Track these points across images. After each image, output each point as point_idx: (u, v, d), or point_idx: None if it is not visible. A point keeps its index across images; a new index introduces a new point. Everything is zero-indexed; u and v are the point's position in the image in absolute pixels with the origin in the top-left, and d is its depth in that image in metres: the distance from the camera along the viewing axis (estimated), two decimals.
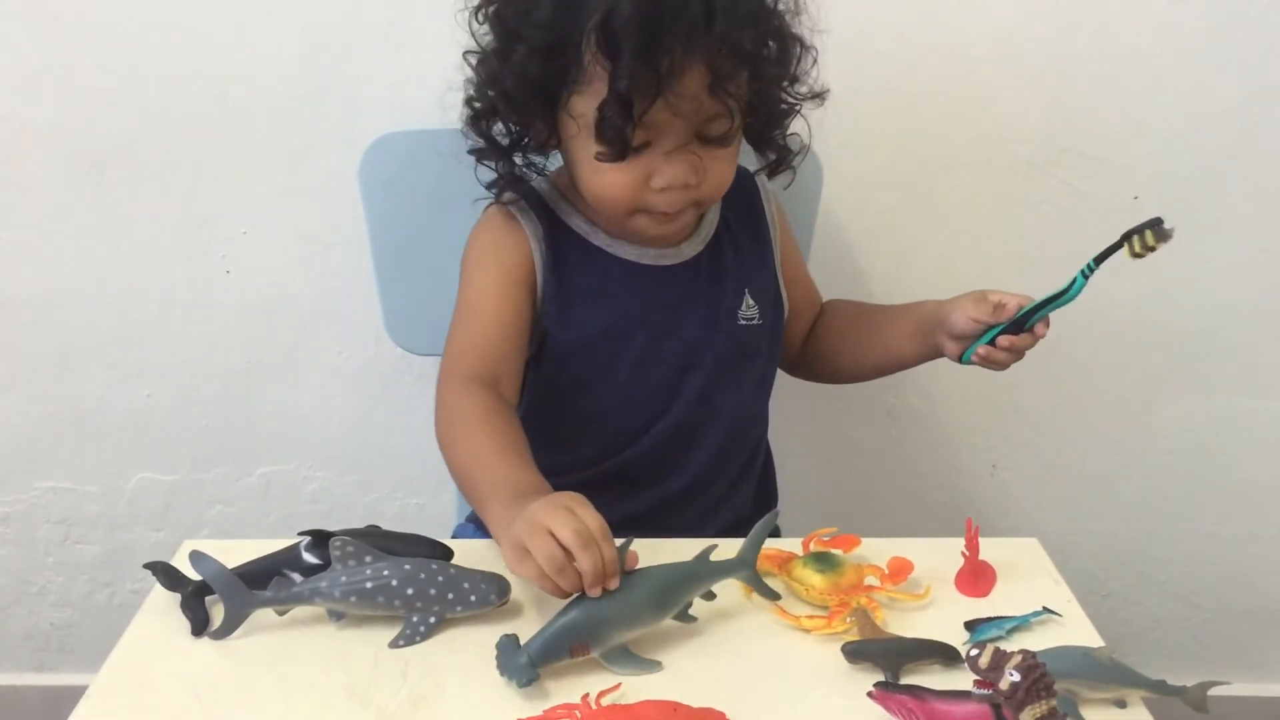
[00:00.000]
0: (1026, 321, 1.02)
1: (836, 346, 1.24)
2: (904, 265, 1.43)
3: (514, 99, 1.02)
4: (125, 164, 1.35)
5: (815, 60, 1.05)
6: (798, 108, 1.09)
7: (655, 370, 1.10)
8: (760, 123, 1.07)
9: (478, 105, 1.06)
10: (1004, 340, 1.03)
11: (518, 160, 1.09)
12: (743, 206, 1.17)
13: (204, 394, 1.49)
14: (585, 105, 0.96)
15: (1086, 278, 0.97)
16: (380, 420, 1.51)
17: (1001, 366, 1.06)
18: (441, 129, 1.22)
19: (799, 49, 1.04)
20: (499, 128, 1.07)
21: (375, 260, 1.27)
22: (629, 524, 0.89)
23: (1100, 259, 0.96)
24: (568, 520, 0.81)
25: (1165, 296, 1.46)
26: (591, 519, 0.82)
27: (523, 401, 1.14)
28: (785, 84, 1.05)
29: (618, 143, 0.96)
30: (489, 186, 1.11)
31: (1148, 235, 0.93)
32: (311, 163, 1.36)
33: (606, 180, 1.01)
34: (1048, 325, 1.03)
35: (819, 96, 1.08)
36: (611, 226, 1.08)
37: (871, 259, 1.43)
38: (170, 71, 1.31)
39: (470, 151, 1.09)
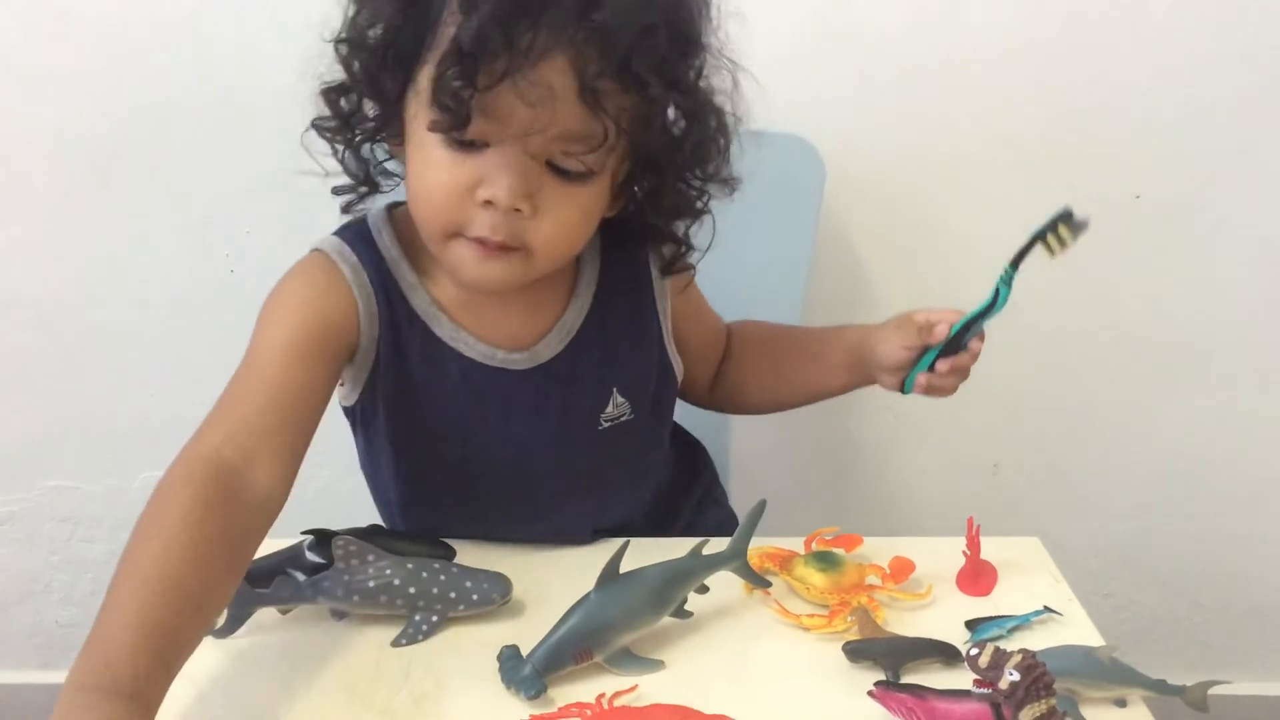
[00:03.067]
0: (961, 339, 0.95)
1: (750, 381, 1.12)
2: (905, 264, 1.43)
3: (367, 64, 0.87)
4: (128, 165, 1.36)
5: (730, 142, 0.92)
6: (705, 199, 0.95)
7: (492, 478, 0.99)
8: (654, 208, 0.94)
9: (335, 79, 0.91)
10: (943, 364, 0.96)
11: (365, 152, 0.95)
12: (626, 281, 1.01)
13: (208, 393, 1.47)
14: (429, 78, 0.82)
15: (1009, 285, 0.92)
16: None
17: (947, 392, 0.98)
18: None
19: (714, 121, 0.90)
20: (352, 106, 0.91)
21: None
22: None
23: (1016, 263, 0.90)
24: None
25: (1167, 295, 1.46)
26: None
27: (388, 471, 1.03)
28: (691, 164, 0.91)
29: (453, 110, 0.80)
30: (336, 191, 0.97)
31: (1062, 231, 0.87)
32: (315, 161, 1.36)
33: (431, 181, 0.86)
34: (983, 339, 0.97)
35: (727, 184, 0.94)
36: (435, 257, 0.92)
37: (872, 258, 1.43)
38: (172, 71, 1.32)
39: (313, 122, 0.94)
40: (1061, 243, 0.88)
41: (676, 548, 0.88)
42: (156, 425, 1.51)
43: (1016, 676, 0.68)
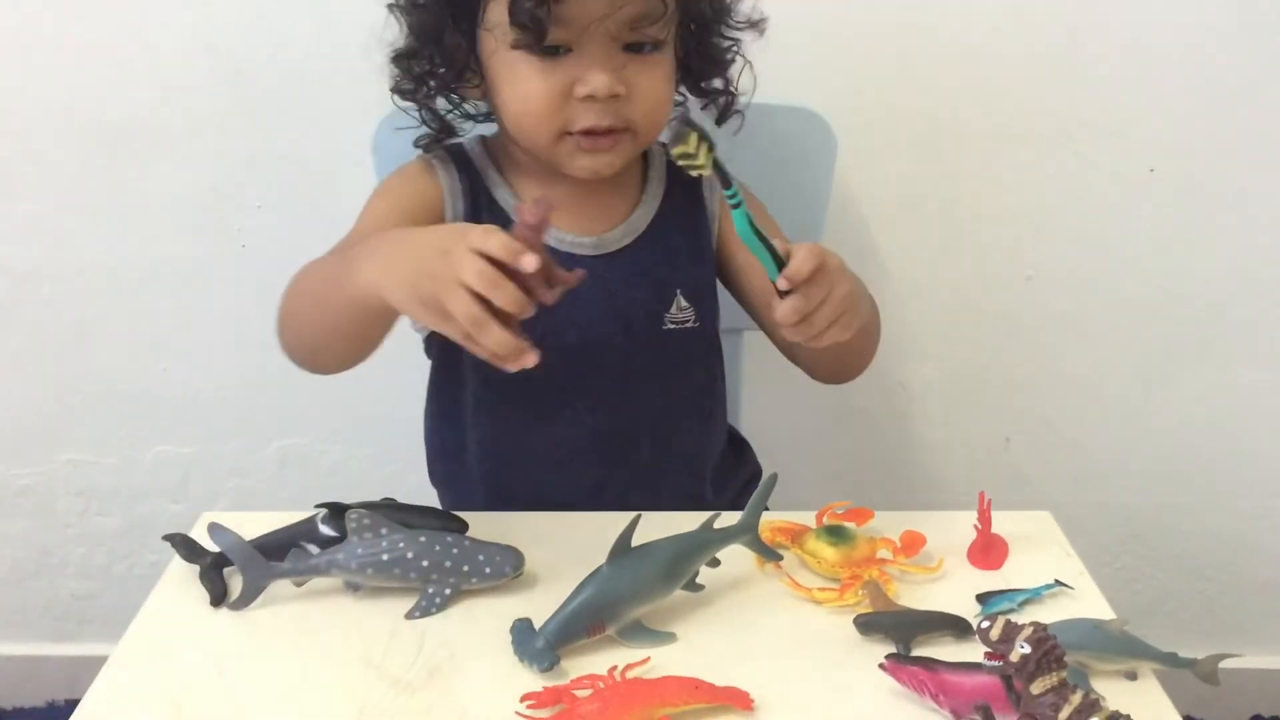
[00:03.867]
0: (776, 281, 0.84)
1: None
2: (918, 238, 1.43)
3: (429, 24, 0.99)
4: (140, 139, 1.36)
5: None
6: (735, 47, 1.05)
7: (556, 361, 0.97)
8: (696, 63, 1.04)
9: (402, 43, 1.02)
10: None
11: (441, 106, 1.05)
12: (685, 198, 1.09)
13: (220, 367, 1.49)
14: (500, 10, 0.93)
15: (737, 205, 0.79)
16: (395, 393, 1.51)
17: (810, 337, 0.86)
18: None
19: None
20: (423, 67, 1.02)
21: None
22: None
23: (725, 185, 0.79)
24: (472, 264, 0.74)
25: (1180, 269, 1.45)
26: (496, 245, 0.75)
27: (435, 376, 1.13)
28: (719, 17, 1.02)
29: (533, 27, 0.91)
30: (417, 143, 1.08)
31: (688, 151, 0.77)
32: (326, 137, 1.36)
33: (528, 92, 0.95)
34: (791, 274, 0.82)
35: (756, 26, 1.05)
36: (543, 160, 1.01)
37: (885, 231, 1.43)
38: (185, 47, 1.32)
39: (392, 90, 1.04)
40: (686, 157, 0.78)
41: (688, 522, 0.89)
42: (170, 399, 1.51)
43: (1027, 649, 0.68)
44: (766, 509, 0.91)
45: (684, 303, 1.06)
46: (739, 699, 0.76)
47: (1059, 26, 1.33)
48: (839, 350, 0.93)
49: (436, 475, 1.19)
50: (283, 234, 1.42)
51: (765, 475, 0.91)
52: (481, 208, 1.05)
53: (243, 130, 1.36)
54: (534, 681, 0.78)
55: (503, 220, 1.02)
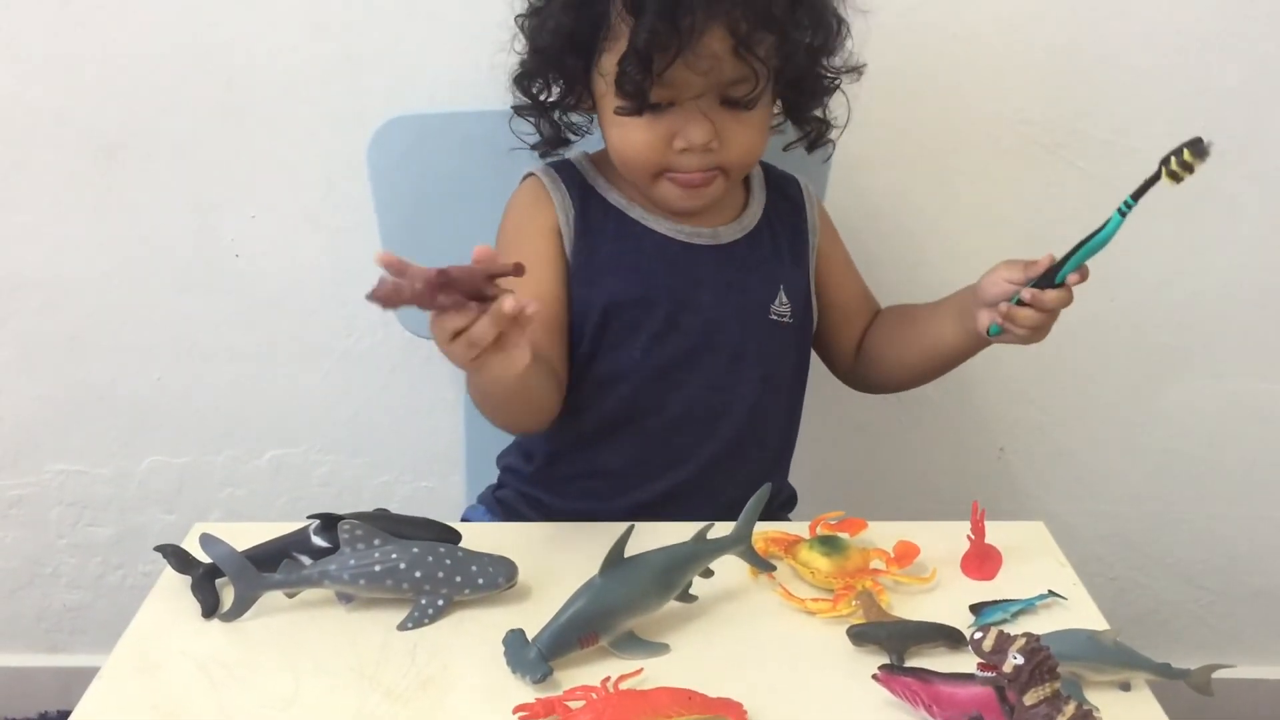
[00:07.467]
0: (1058, 275, 0.97)
1: (883, 344, 1.22)
2: (911, 248, 1.43)
3: (549, 55, 1.06)
4: (134, 149, 1.36)
5: (849, 35, 1.09)
6: (835, 82, 1.13)
7: (672, 342, 1.09)
8: (795, 96, 1.12)
9: (522, 65, 1.10)
10: (1026, 293, 0.98)
11: (557, 119, 1.13)
12: (786, 209, 1.18)
13: (213, 377, 1.49)
14: (612, 63, 1.00)
15: (1124, 215, 0.92)
16: (389, 403, 1.51)
17: (1027, 331, 1.01)
18: (449, 112, 1.23)
19: (835, 22, 1.08)
20: (540, 88, 1.11)
21: (383, 243, 1.27)
22: (638, 511, 0.88)
23: (1139, 194, 0.91)
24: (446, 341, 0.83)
25: (1174, 279, 1.46)
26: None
27: None
28: (819, 56, 1.08)
29: (635, 97, 0.99)
30: (534, 148, 1.16)
31: (1185, 154, 0.88)
32: (319, 146, 1.36)
33: (631, 139, 1.04)
34: (1084, 274, 0.97)
35: (855, 70, 1.12)
36: (641, 191, 1.10)
37: (879, 241, 1.43)
38: (178, 55, 1.31)
39: (513, 107, 1.13)
40: (1184, 165, 0.88)
41: (681, 532, 0.89)
42: (163, 408, 1.51)
43: (1020, 660, 0.68)
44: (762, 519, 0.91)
45: (784, 298, 1.14)
46: (732, 710, 0.76)
47: (1052, 36, 1.33)
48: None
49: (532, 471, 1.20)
50: (276, 244, 1.42)
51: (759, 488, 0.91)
52: (592, 209, 1.12)
53: (236, 139, 1.36)
54: (527, 693, 0.78)
55: (615, 217, 1.11)
